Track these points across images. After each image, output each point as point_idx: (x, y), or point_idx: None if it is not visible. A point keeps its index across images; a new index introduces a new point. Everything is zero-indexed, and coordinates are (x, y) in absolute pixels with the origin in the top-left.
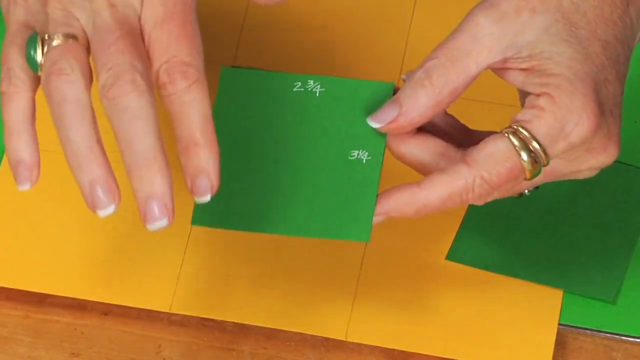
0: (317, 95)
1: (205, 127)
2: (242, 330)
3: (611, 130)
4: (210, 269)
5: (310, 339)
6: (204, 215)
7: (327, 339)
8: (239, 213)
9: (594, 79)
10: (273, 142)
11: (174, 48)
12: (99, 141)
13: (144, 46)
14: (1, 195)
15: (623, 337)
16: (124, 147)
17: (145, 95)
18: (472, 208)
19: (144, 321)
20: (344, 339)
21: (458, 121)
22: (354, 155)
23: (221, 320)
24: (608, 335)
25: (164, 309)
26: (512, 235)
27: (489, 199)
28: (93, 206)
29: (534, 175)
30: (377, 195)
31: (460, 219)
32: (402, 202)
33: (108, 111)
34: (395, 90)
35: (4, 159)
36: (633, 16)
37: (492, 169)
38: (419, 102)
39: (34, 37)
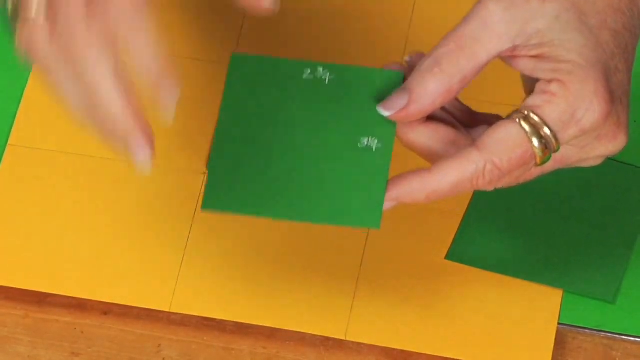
0: (327, 82)
1: None
2: (241, 330)
3: (621, 118)
4: (210, 268)
5: (310, 338)
6: (213, 200)
7: (327, 339)
8: (248, 198)
9: (605, 66)
10: (282, 129)
11: None
12: None
13: None
14: (1, 195)
15: (622, 337)
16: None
17: None
18: (471, 207)
19: (144, 321)
20: (344, 339)
21: (461, 103)
22: (364, 143)
23: (221, 320)
24: (607, 334)
25: (164, 308)
26: (512, 235)
27: (499, 185)
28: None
29: (544, 161)
30: (387, 182)
31: (460, 219)
32: (413, 188)
33: None
34: (404, 80)
35: (4, 158)
36: None
37: (503, 155)
38: (428, 90)
39: None
